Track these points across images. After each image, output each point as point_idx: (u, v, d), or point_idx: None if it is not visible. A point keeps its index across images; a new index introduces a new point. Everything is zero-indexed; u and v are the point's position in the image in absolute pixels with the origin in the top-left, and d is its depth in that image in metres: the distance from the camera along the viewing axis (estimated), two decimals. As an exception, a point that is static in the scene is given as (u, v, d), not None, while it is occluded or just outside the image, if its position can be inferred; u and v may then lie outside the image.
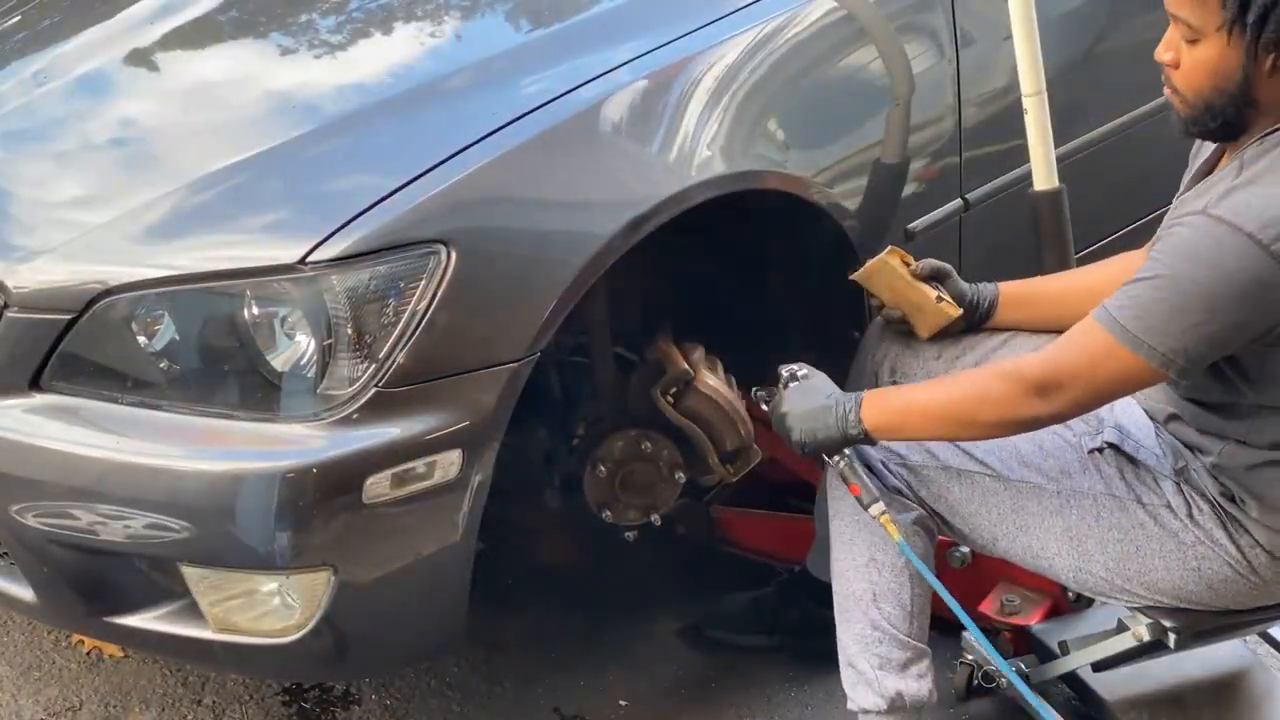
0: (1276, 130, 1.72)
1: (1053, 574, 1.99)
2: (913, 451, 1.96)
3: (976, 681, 2.29)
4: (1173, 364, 1.69)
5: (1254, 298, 1.64)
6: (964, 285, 2.13)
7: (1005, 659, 2.20)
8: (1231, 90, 1.71)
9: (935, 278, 2.11)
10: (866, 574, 1.97)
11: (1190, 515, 1.87)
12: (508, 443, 1.92)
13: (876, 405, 1.87)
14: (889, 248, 2.11)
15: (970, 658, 2.26)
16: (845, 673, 2.01)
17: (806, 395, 1.92)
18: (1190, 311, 1.66)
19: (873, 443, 1.91)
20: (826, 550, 2.05)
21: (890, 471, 1.97)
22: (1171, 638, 1.97)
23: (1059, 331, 1.86)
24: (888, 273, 2.09)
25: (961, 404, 1.83)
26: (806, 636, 2.39)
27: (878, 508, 1.87)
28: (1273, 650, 2.34)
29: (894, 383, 2.16)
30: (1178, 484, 1.88)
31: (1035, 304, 2.12)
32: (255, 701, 2.37)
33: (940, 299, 2.09)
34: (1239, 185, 1.69)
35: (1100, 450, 1.92)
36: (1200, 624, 1.96)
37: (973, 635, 1.89)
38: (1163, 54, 1.77)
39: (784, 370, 1.97)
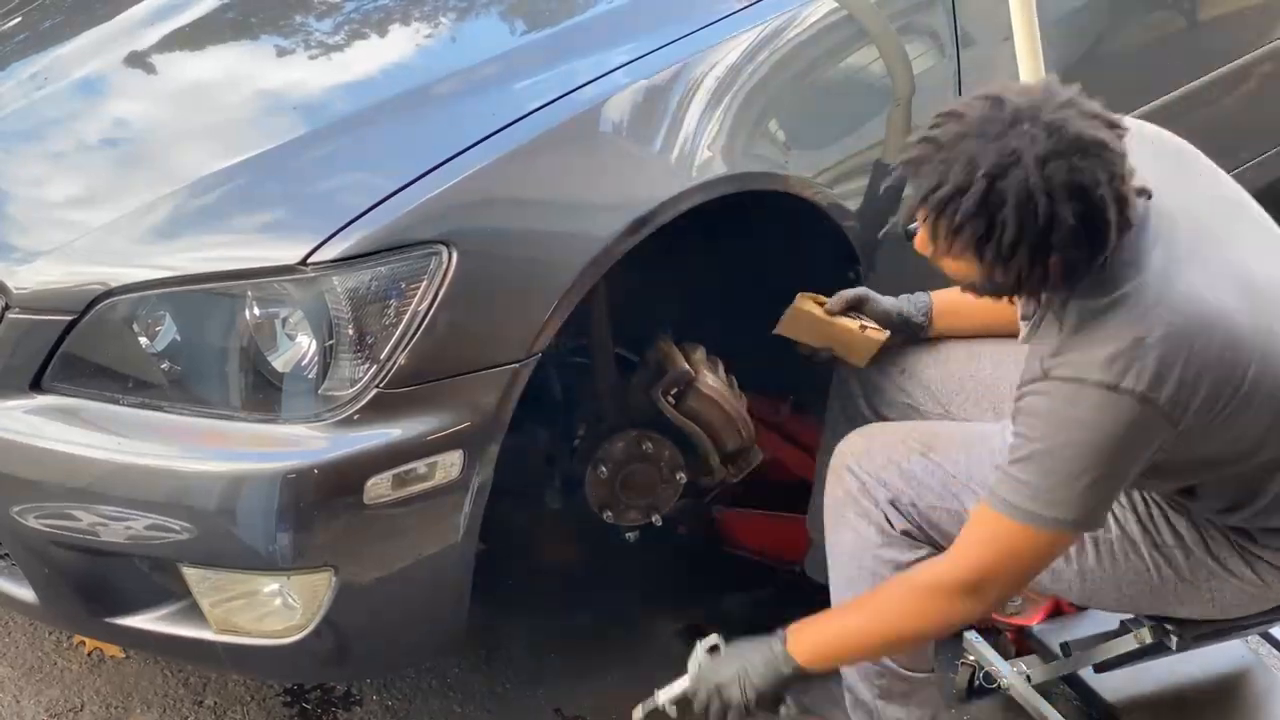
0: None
1: (1062, 598, 2.00)
2: (924, 495, 1.89)
3: (978, 682, 2.29)
4: (1088, 523, 1.69)
5: (1129, 437, 1.62)
6: (888, 303, 2.12)
7: (1007, 660, 2.21)
8: (998, 290, 1.67)
9: (853, 308, 2.11)
10: None
11: (1207, 548, 1.84)
12: (509, 443, 1.92)
13: (806, 641, 1.83)
14: (799, 294, 2.12)
15: (971, 658, 2.26)
16: (846, 694, 1.99)
17: (728, 658, 1.88)
18: (1081, 473, 1.64)
19: (809, 678, 1.84)
20: (823, 554, 2.04)
21: (902, 513, 1.90)
22: (1173, 639, 1.98)
23: (993, 335, 1.96)
24: (804, 318, 2.11)
25: (900, 627, 1.80)
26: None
27: None
28: (1273, 650, 2.35)
29: (872, 408, 2.16)
30: (1192, 522, 1.85)
31: (968, 311, 2.08)
32: (257, 702, 2.37)
33: (864, 327, 2.09)
34: (1065, 341, 1.65)
35: None
36: (1202, 626, 1.96)
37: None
38: (922, 248, 1.71)
39: (698, 647, 1.91)
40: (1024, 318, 1.83)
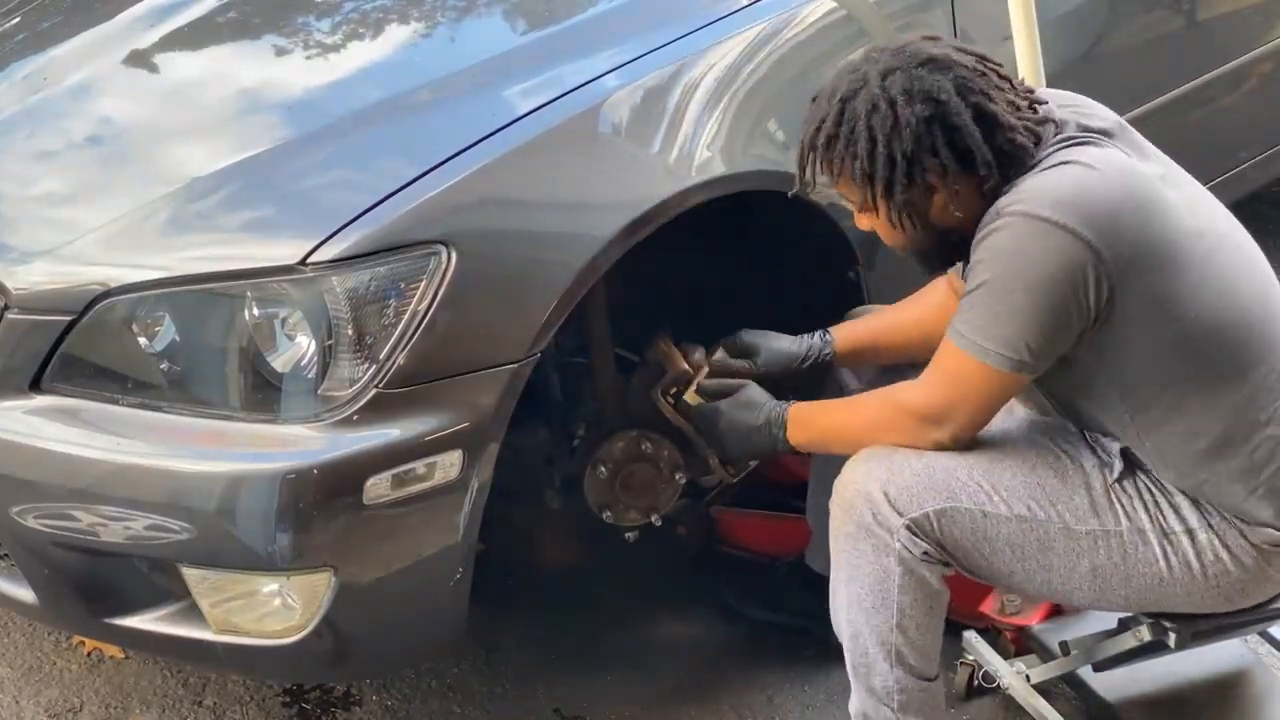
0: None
1: (1066, 603, 2.00)
2: (937, 514, 1.83)
3: (977, 682, 2.29)
4: (1022, 365, 1.75)
5: (1064, 275, 1.70)
6: (786, 342, 2.15)
7: (1006, 659, 2.21)
8: (920, 236, 1.83)
9: (744, 354, 2.16)
10: (893, 639, 1.89)
11: (1210, 526, 1.84)
12: (508, 443, 1.92)
13: (801, 424, 1.99)
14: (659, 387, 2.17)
15: (970, 658, 2.26)
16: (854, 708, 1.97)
17: (741, 409, 2.04)
18: (1019, 308, 1.72)
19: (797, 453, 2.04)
20: (824, 546, 2.03)
21: (918, 536, 1.84)
22: (1172, 637, 1.97)
23: (911, 365, 1.98)
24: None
25: (869, 434, 1.90)
26: (806, 632, 2.40)
27: None
28: (1273, 650, 2.34)
29: None
30: (1191, 499, 1.85)
31: (874, 345, 2.16)
32: (256, 703, 2.37)
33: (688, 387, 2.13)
34: (1018, 185, 1.75)
35: (1120, 481, 1.86)
36: (1200, 624, 1.96)
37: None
38: (861, 224, 1.89)
39: (713, 383, 2.10)
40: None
